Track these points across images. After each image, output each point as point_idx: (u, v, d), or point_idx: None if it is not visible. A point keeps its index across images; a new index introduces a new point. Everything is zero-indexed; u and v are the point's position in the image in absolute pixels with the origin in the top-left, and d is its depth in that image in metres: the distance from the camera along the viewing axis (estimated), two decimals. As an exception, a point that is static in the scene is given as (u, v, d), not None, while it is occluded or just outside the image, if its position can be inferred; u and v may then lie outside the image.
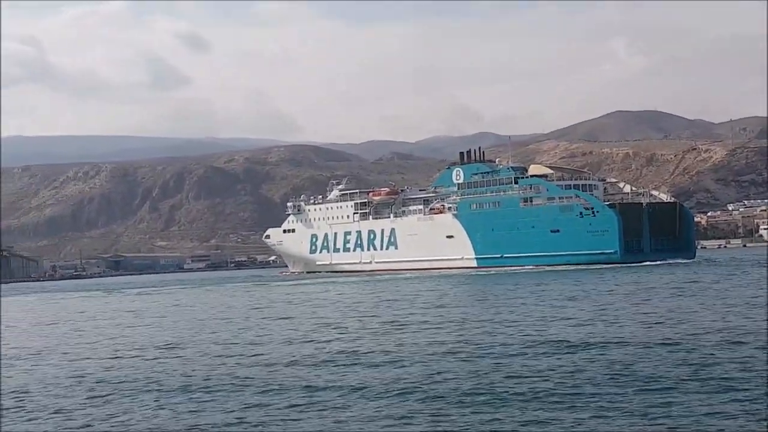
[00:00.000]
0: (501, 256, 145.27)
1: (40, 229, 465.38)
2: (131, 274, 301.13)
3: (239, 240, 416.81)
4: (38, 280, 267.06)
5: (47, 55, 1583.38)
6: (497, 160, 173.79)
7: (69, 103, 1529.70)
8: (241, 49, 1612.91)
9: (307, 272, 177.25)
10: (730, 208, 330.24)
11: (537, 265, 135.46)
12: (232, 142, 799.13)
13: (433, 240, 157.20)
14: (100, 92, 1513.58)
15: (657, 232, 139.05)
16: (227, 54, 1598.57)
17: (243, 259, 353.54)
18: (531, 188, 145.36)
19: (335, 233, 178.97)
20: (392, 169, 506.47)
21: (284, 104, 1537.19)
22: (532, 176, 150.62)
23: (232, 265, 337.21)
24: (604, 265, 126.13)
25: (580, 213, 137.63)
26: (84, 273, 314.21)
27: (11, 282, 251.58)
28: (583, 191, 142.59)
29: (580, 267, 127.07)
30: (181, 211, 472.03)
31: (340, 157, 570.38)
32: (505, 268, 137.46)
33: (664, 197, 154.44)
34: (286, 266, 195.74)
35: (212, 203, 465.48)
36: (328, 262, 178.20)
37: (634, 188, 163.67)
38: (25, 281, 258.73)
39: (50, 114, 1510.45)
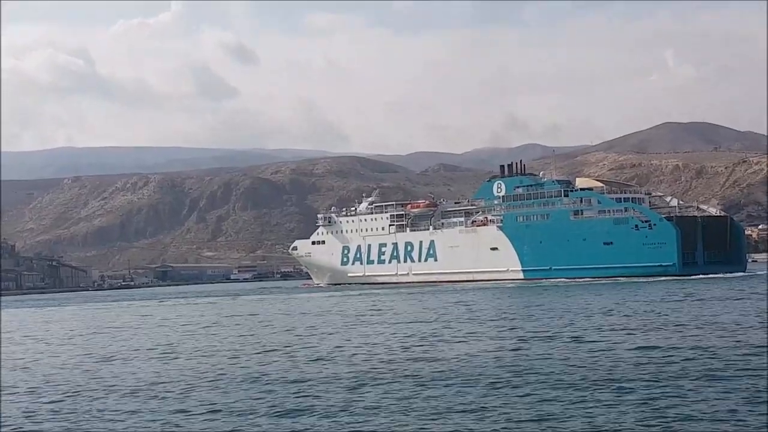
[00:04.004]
0: (550, 269, 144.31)
1: (89, 240, 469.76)
2: (178, 284, 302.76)
3: (285, 251, 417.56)
4: (87, 290, 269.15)
5: (98, 67, 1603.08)
6: (541, 173, 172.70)
7: (119, 114, 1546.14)
8: (289, 60, 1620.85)
9: (335, 284, 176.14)
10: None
11: (590, 277, 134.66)
12: (279, 153, 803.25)
13: (476, 252, 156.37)
14: (150, 103, 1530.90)
15: (709, 246, 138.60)
16: (275, 65, 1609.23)
17: (289, 269, 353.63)
18: (582, 201, 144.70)
19: (369, 245, 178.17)
20: (438, 180, 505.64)
21: (332, 115, 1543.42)
22: (581, 189, 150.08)
23: (278, 275, 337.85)
24: (661, 278, 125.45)
25: (636, 226, 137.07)
26: (132, 283, 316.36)
27: (62, 291, 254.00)
28: (632, 203, 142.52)
29: (637, 279, 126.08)
30: (228, 221, 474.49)
31: (387, 169, 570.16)
32: (556, 281, 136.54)
33: (713, 211, 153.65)
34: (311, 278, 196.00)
35: (258, 214, 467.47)
36: (361, 274, 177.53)
37: (681, 202, 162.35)
38: (74, 291, 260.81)
39: (100, 125, 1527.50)
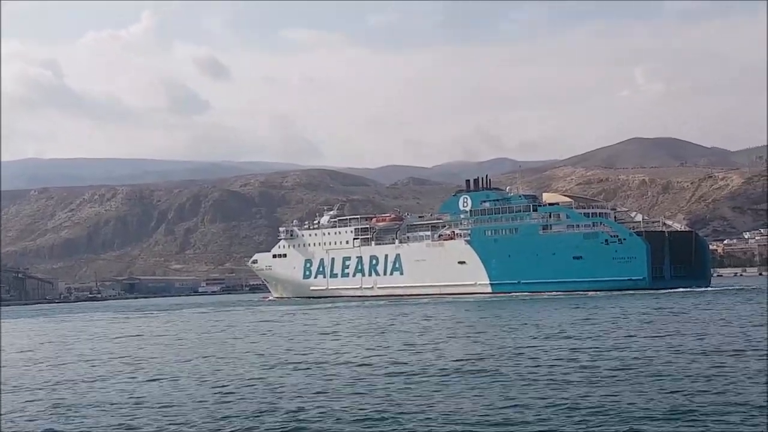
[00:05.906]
0: (518, 282, 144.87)
1: (56, 251, 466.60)
2: (146, 297, 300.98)
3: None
4: (53, 302, 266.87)
5: (68, 80, 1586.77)
6: (507, 188, 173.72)
7: (89, 128, 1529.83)
8: (264, 75, 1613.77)
9: (294, 297, 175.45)
10: (746, 236, 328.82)
11: (558, 291, 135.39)
12: (249, 166, 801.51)
13: (443, 266, 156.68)
14: (121, 117, 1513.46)
15: (675, 260, 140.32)
16: (249, 80, 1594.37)
17: (258, 282, 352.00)
18: (551, 216, 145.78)
19: (332, 258, 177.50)
20: (408, 194, 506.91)
21: (306, 130, 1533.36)
22: (548, 204, 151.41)
23: (247, 288, 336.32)
24: (631, 292, 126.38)
25: (606, 240, 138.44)
26: (99, 295, 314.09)
27: (28, 304, 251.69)
28: (600, 218, 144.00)
29: (608, 293, 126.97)
30: (197, 234, 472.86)
31: (357, 182, 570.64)
32: (524, 294, 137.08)
33: (678, 226, 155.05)
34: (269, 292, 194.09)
35: (227, 226, 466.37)
36: (324, 288, 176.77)
37: (646, 217, 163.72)
38: (40, 303, 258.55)
39: (70, 138, 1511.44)
